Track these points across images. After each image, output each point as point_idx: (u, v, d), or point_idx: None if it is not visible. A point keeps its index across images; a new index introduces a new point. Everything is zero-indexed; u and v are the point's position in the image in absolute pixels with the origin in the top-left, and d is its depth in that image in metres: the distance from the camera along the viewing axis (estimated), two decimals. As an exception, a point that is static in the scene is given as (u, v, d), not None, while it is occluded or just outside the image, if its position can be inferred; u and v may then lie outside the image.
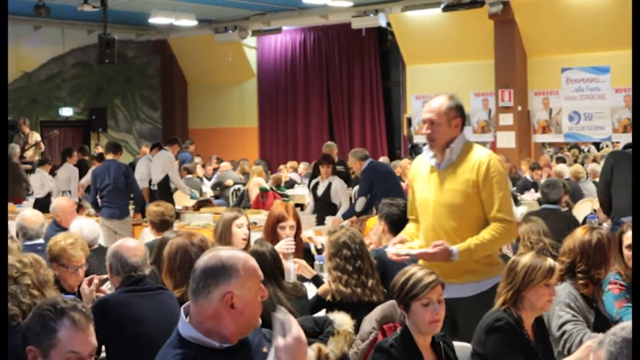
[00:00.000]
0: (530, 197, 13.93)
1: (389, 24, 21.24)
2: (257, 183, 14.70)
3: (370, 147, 23.54)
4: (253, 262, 3.17)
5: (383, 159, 18.24)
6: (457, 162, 5.16)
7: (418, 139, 22.26)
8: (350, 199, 12.63)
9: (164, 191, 13.86)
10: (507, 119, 19.45)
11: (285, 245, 6.37)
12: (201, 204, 14.05)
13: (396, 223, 6.30)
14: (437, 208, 5.15)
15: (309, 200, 12.21)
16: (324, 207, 11.73)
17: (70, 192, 15.02)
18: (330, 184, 11.79)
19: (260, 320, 3.19)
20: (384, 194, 9.68)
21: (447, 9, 19.27)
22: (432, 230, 5.16)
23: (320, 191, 11.84)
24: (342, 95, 24.50)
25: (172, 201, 13.34)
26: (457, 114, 5.24)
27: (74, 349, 2.98)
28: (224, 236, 6.37)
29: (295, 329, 2.91)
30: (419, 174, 5.37)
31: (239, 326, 3.08)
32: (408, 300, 4.06)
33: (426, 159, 5.31)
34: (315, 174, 13.11)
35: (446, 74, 20.80)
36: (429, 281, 4.08)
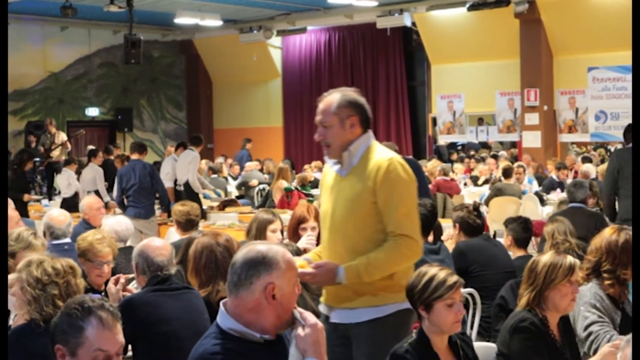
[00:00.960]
0: (556, 197, 13.87)
1: (414, 24, 21.20)
2: (280, 185, 14.70)
3: (395, 146, 23.49)
4: (290, 254, 3.26)
5: (408, 159, 18.19)
6: (358, 167, 4.45)
7: (443, 139, 22.24)
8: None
9: (190, 191, 13.89)
10: (532, 118, 19.36)
11: (306, 241, 6.37)
12: (226, 204, 14.08)
13: (422, 223, 6.27)
14: (334, 220, 4.47)
15: None
16: None
17: (95, 192, 15.08)
18: None
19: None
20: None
21: (472, 8, 19.21)
22: (329, 246, 4.53)
23: None
24: (367, 95, 24.37)
25: (198, 201, 13.38)
26: (352, 111, 4.50)
27: (101, 347, 3.01)
28: (258, 239, 6.37)
29: (312, 318, 3.11)
30: (324, 183, 4.68)
31: (279, 318, 3.15)
32: (431, 301, 4.03)
33: (331, 165, 4.64)
34: None
35: (471, 74, 20.74)
36: (453, 281, 4.06)
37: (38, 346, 3.89)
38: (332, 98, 4.55)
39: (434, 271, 4.11)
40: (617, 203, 8.72)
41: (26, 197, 13.58)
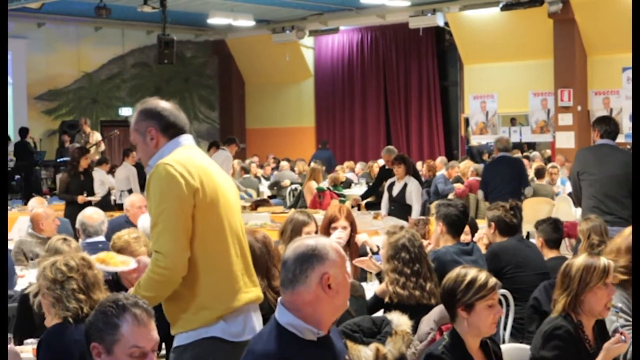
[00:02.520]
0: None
1: (446, 24, 21.15)
2: (310, 186, 14.70)
3: (427, 147, 23.49)
4: (336, 244, 3.34)
5: (440, 160, 18.18)
6: None
7: (476, 140, 22.14)
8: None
9: None
10: (566, 119, 19.24)
11: (335, 238, 6.39)
12: (258, 204, 14.10)
13: (454, 223, 6.26)
14: None
15: (384, 200, 12.12)
16: (399, 207, 11.65)
17: (128, 191, 15.15)
18: (405, 185, 11.74)
19: (348, 303, 3.33)
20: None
21: (505, 8, 19.13)
22: None
23: (395, 191, 11.78)
24: (399, 96, 24.43)
25: None
26: (149, 123, 4.10)
27: (137, 343, 3.04)
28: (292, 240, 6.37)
29: None
30: None
31: (335, 308, 3.24)
32: (474, 301, 4.03)
33: None
34: (381, 174, 13.10)
35: (504, 74, 20.66)
36: (494, 283, 4.08)
37: (73, 344, 3.93)
38: (134, 113, 4.22)
39: (474, 273, 4.11)
40: None
41: (80, 198, 12.39)
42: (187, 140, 4.12)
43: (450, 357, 3.98)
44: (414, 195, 11.67)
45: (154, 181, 3.92)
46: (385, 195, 12.08)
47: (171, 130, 4.09)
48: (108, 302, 3.09)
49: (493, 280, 4.09)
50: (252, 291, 4.10)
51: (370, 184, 16.16)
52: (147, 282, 3.87)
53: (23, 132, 19.87)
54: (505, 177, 11.58)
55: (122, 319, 3.04)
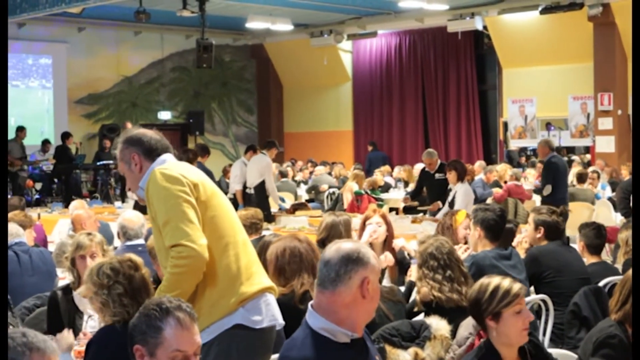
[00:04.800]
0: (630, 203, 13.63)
1: (485, 27, 21.08)
2: (350, 188, 14.72)
3: (466, 151, 23.39)
4: (373, 252, 3.40)
5: (479, 164, 18.10)
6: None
7: (514, 144, 22.03)
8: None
9: (261, 194, 13.96)
10: (606, 123, 19.09)
11: (368, 235, 6.43)
12: (296, 207, 14.13)
13: (492, 228, 6.23)
14: None
15: (442, 206, 12.01)
16: None
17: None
18: (456, 192, 11.59)
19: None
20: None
21: (545, 11, 19.03)
22: None
23: (450, 197, 11.69)
24: (438, 99, 24.37)
25: (267, 205, 13.46)
26: (131, 149, 4.26)
27: (179, 347, 3.05)
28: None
29: None
30: None
31: (368, 312, 3.30)
32: (500, 309, 3.98)
33: None
34: (422, 177, 13.04)
35: (543, 78, 20.54)
36: (518, 288, 4.02)
37: (120, 347, 3.96)
38: (117, 147, 4.35)
39: (497, 280, 4.07)
40: None
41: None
42: (168, 157, 4.26)
43: None
44: (458, 200, 11.52)
45: (152, 187, 4.08)
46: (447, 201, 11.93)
47: (153, 153, 4.24)
48: (152, 305, 3.12)
49: (518, 286, 4.02)
50: (264, 282, 4.21)
51: (408, 188, 16.17)
52: (170, 282, 3.97)
53: (65, 136, 20.06)
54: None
55: (165, 322, 3.06)
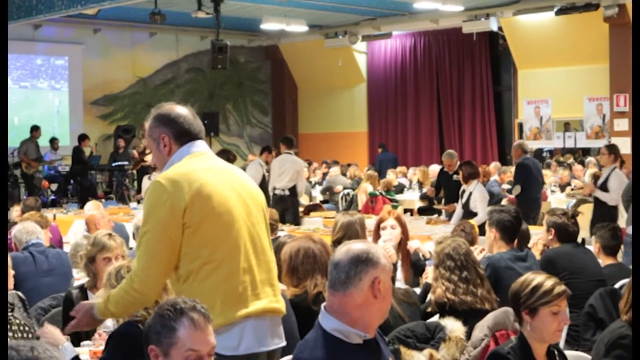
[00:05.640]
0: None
1: (500, 28, 21.03)
2: (365, 189, 14.71)
3: (481, 152, 23.35)
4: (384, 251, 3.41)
5: (494, 165, 18.07)
6: None
7: (530, 145, 21.96)
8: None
9: (293, 196, 13.84)
10: (622, 124, 19.00)
11: (383, 242, 6.43)
12: (311, 209, 14.13)
13: (508, 229, 6.22)
14: None
15: (457, 207, 11.95)
16: (466, 215, 11.27)
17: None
18: (470, 193, 11.50)
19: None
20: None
21: (560, 12, 18.96)
22: None
23: (464, 199, 11.60)
24: (452, 101, 24.34)
25: (297, 206, 13.55)
26: (163, 130, 4.00)
27: (193, 347, 3.06)
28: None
29: None
30: None
31: (381, 312, 3.27)
32: (538, 306, 4.02)
33: None
34: (440, 178, 13.03)
35: (559, 79, 20.48)
36: (561, 290, 4.05)
37: (139, 345, 3.96)
38: (149, 118, 4.08)
39: (541, 279, 4.10)
40: None
41: None
42: (197, 147, 4.01)
43: (515, 359, 3.97)
44: (478, 202, 11.39)
45: (146, 196, 3.88)
46: (459, 202, 11.85)
47: (185, 137, 3.99)
48: (166, 306, 3.13)
49: (560, 288, 4.05)
50: (254, 305, 3.90)
51: (424, 189, 16.15)
52: (117, 299, 3.86)
53: (81, 138, 20.12)
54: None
55: (179, 322, 3.07)
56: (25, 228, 7.03)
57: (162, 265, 3.78)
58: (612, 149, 11.59)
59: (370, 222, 10.61)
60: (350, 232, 6.45)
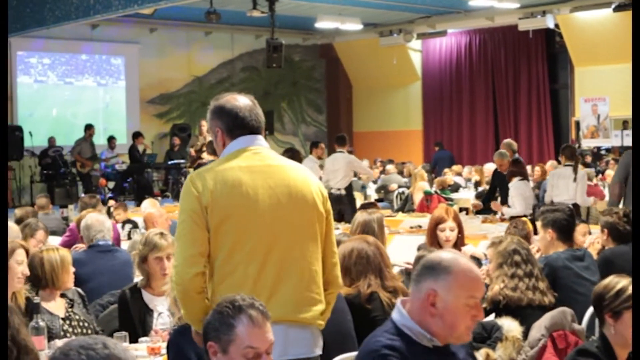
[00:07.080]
0: None
1: (557, 25, 20.83)
2: (421, 187, 14.65)
3: (537, 151, 23.16)
4: (474, 274, 3.21)
5: (550, 164, 17.89)
6: None
7: (586, 143, 21.73)
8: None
9: (351, 195, 13.92)
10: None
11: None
12: (366, 207, 14.10)
13: (564, 228, 6.16)
14: None
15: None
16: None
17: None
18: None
19: (469, 336, 3.23)
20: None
21: (618, 8, 18.72)
22: None
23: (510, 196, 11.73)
24: (508, 98, 24.17)
25: (355, 204, 13.55)
26: (216, 123, 3.89)
27: (251, 344, 3.08)
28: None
29: None
30: None
31: (439, 328, 3.16)
32: (622, 309, 3.96)
33: None
34: (494, 178, 12.99)
35: (616, 76, 20.21)
36: None
37: (190, 345, 4.01)
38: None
39: (626, 282, 4.04)
40: None
41: None
42: (248, 142, 3.85)
43: (604, 358, 3.93)
44: (515, 198, 11.55)
45: (182, 191, 3.79)
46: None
47: (237, 131, 3.85)
48: (225, 303, 3.15)
49: None
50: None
51: (480, 188, 16.06)
52: (178, 300, 3.87)
53: (135, 136, 20.32)
54: None
55: (238, 319, 3.09)
56: (94, 225, 6.93)
57: (194, 254, 3.65)
58: None
59: (425, 220, 10.59)
60: (367, 230, 6.43)
